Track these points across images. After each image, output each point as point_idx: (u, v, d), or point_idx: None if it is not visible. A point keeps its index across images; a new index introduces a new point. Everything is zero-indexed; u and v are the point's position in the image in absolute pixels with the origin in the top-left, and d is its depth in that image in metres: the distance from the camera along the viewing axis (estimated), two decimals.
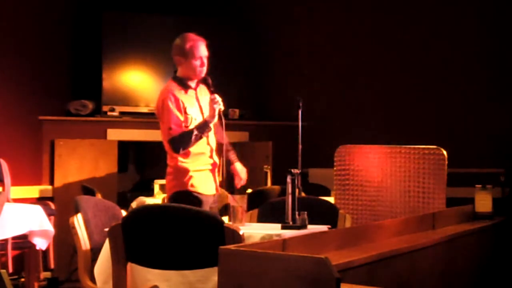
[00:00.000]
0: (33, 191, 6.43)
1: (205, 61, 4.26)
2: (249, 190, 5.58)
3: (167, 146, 4.18)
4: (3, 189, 5.74)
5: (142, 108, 7.01)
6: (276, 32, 7.54)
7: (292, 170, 3.58)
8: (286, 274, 2.12)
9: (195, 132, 4.09)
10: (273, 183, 6.20)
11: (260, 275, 2.18)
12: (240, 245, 2.48)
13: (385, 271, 2.79)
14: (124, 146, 7.04)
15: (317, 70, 7.35)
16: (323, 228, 3.50)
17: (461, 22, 6.68)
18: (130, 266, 3.16)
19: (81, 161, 6.60)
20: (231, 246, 2.37)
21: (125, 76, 7.07)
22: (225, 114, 6.98)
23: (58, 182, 6.53)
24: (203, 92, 4.31)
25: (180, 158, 4.14)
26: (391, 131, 6.56)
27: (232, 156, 4.45)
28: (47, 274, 6.04)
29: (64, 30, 6.94)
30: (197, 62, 4.22)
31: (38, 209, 5.14)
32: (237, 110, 7.10)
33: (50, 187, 6.53)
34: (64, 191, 6.46)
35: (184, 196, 4.12)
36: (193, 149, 4.14)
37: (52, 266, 5.76)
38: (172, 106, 4.11)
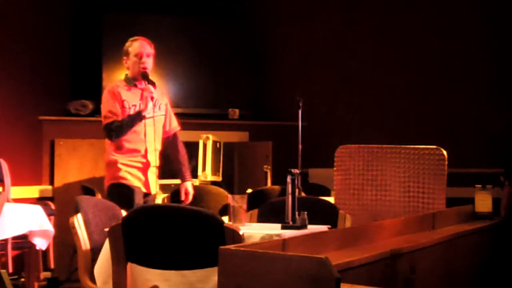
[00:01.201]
0: (33, 191, 6.43)
1: (145, 58, 4.47)
2: (249, 190, 5.58)
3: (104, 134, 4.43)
4: (3, 189, 5.74)
5: None
6: (276, 32, 7.54)
7: (292, 170, 3.58)
8: (286, 274, 2.12)
9: (126, 120, 4.32)
10: (273, 183, 6.20)
11: (260, 275, 2.18)
12: (240, 245, 2.48)
13: (385, 271, 2.79)
14: None
15: (317, 70, 7.35)
16: (323, 228, 3.50)
17: (461, 22, 6.68)
18: (130, 266, 3.16)
19: (81, 161, 6.60)
20: (231, 246, 2.37)
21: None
22: (225, 114, 7.03)
23: (58, 182, 6.53)
24: (158, 96, 4.48)
25: (112, 152, 4.39)
26: (391, 131, 6.56)
27: (187, 173, 4.64)
28: (47, 274, 6.04)
29: (64, 30, 6.94)
30: (136, 58, 4.45)
31: (38, 209, 5.13)
32: (237, 110, 7.10)
33: (50, 187, 6.53)
34: (64, 191, 6.46)
35: (117, 188, 4.36)
36: (127, 145, 4.38)
37: (52, 266, 5.76)
38: (109, 96, 4.39)
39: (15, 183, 6.02)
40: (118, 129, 4.33)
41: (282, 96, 7.27)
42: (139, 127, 4.39)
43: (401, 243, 3.02)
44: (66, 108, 6.78)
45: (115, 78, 6.94)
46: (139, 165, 4.41)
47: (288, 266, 2.12)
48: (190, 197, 4.61)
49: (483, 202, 4.22)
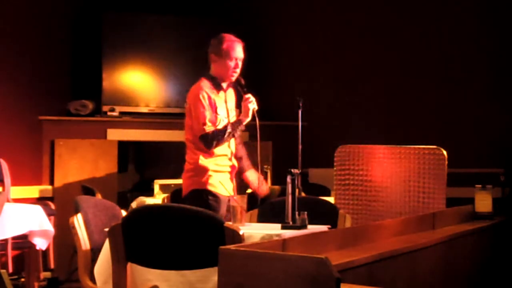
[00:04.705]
0: (33, 191, 6.43)
1: (240, 63, 4.28)
2: (249, 190, 5.58)
3: (192, 142, 4.17)
4: (3, 189, 5.74)
5: (142, 108, 7.01)
6: (276, 32, 7.54)
7: (292, 170, 3.58)
8: (286, 274, 2.12)
9: (229, 130, 4.13)
10: (273, 183, 6.19)
11: (260, 275, 2.18)
12: (240, 245, 2.48)
13: (385, 271, 2.79)
14: (124, 146, 7.04)
15: (317, 70, 7.35)
16: (323, 228, 3.50)
17: (461, 21, 6.68)
18: (130, 266, 3.17)
19: (81, 161, 6.60)
20: (231, 246, 2.37)
21: (125, 76, 7.07)
22: None
23: (58, 182, 6.53)
24: (230, 97, 4.32)
25: (201, 157, 4.15)
26: (391, 131, 6.56)
27: (246, 163, 4.47)
28: (47, 274, 6.05)
29: (64, 30, 6.94)
30: (232, 63, 4.24)
31: (38, 209, 5.14)
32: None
33: (50, 187, 6.53)
34: (64, 191, 6.46)
35: (203, 195, 4.13)
36: (216, 150, 4.16)
37: (52, 266, 5.76)
38: (205, 102, 4.13)
39: (15, 183, 6.02)
40: (221, 139, 4.11)
41: (282, 96, 7.27)
42: None
43: (401, 243, 3.02)
44: (66, 108, 6.79)
45: (115, 78, 6.96)
46: (228, 169, 4.23)
47: (288, 266, 2.12)
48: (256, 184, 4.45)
49: (483, 202, 4.21)
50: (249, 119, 4.18)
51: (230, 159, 4.26)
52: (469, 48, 6.61)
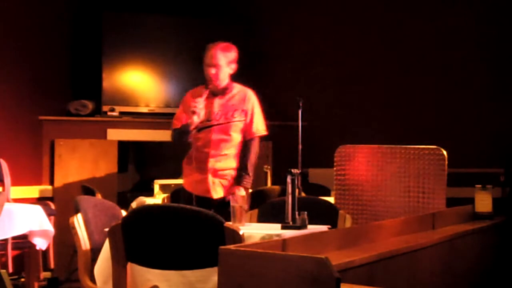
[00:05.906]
0: (33, 191, 6.43)
1: (211, 69, 4.35)
2: (249, 190, 5.58)
3: None
4: (3, 189, 5.74)
5: (142, 108, 7.01)
6: (276, 32, 7.54)
7: (292, 170, 3.58)
8: (286, 274, 2.12)
9: (178, 130, 4.30)
10: (273, 183, 6.19)
11: (260, 275, 2.18)
12: (240, 245, 2.47)
13: (385, 271, 2.79)
14: (124, 146, 7.05)
15: (317, 70, 7.35)
16: (323, 228, 3.50)
17: (461, 22, 6.68)
18: (130, 266, 3.17)
19: (81, 161, 6.60)
20: (231, 246, 2.36)
21: (125, 76, 7.07)
22: None
23: (58, 182, 6.53)
24: (232, 101, 4.41)
25: (186, 158, 4.39)
26: (391, 131, 6.56)
27: (245, 181, 4.37)
28: (47, 274, 6.04)
29: (64, 30, 6.94)
30: (206, 69, 4.38)
31: (38, 209, 5.13)
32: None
33: (50, 187, 6.53)
34: (64, 191, 6.46)
35: (181, 192, 4.41)
36: (192, 151, 4.34)
37: (52, 266, 5.76)
38: (182, 103, 4.41)
39: (15, 183, 6.02)
40: (174, 137, 4.35)
41: (282, 96, 7.27)
42: (204, 133, 4.27)
43: (401, 243, 3.02)
44: (66, 108, 6.79)
45: (115, 78, 6.96)
46: (198, 171, 4.29)
47: (288, 266, 2.12)
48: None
49: (483, 202, 4.21)
50: (194, 122, 4.17)
51: (204, 162, 4.27)
52: (469, 48, 6.61)
